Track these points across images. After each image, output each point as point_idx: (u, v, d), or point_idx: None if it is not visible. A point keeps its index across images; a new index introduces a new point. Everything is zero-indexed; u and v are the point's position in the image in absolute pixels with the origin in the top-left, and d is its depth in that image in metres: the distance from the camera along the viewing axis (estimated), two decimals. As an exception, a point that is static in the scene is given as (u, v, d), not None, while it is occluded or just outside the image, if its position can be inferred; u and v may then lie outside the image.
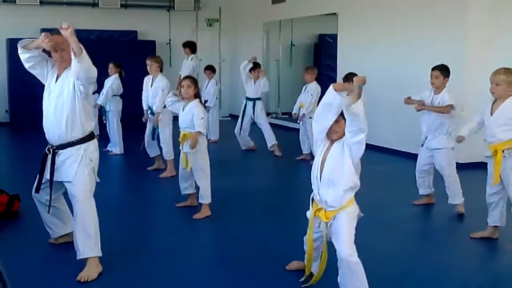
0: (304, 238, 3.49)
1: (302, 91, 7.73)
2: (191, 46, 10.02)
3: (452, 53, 7.01)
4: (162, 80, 6.71)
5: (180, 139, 5.00)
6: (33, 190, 3.85)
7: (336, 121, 3.11)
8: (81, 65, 3.41)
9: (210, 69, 9.39)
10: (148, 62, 6.79)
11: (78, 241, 3.64)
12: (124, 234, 4.57)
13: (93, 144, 3.72)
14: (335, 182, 3.16)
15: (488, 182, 4.39)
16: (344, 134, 3.14)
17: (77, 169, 3.61)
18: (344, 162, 3.15)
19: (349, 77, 6.05)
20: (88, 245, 3.62)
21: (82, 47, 3.40)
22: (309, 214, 3.37)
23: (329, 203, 3.18)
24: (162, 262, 3.94)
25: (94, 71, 3.53)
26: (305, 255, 3.48)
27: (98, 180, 3.77)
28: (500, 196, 4.35)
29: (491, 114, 4.23)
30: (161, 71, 6.81)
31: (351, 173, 3.16)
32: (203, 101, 5.35)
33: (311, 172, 3.30)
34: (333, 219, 3.17)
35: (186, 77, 5.12)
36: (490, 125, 4.24)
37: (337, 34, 9.49)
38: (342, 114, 3.13)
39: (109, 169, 7.18)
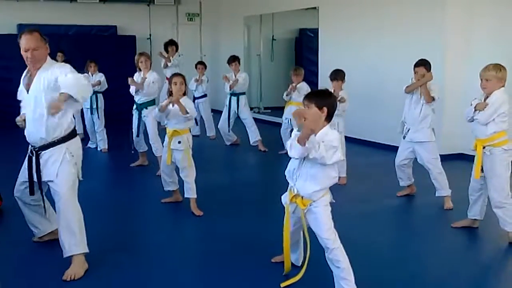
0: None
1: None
2: (176, 45, 9.98)
3: (432, 45, 7.09)
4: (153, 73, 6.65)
5: (168, 136, 4.98)
6: (27, 193, 3.78)
7: (307, 106, 3.14)
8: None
9: (203, 64, 9.31)
10: (142, 59, 6.65)
11: (63, 239, 3.60)
12: (110, 231, 4.55)
13: (75, 142, 3.69)
14: (313, 177, 3.17)
15: (473, 175, 4.44)
16: (314, 124, 3.08)
17: (59, 168, 3.58)
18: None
19: (337, 73, 6.03)
20: (74, 242, 3.60)
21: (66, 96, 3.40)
22: (284, 199, 3.39)
23: (305, 196, 3.21)
24: (149, 258, 3.93)
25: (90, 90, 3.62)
26: (283, 241, 3.45)
27: (81, 179, 3.73)
28: (482, 192, 4.42)
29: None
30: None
31: (330, 169, 3.14)
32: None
33: (289, 164, 3.30)
34: (310, 207, 3.20)
35: (178, 75, 5.05)
36: (479, 119, 4.24)
37: (318, 29, 9.51)
38: (309, 98, 3.15)
39: (94, 165, 7.12)
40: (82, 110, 8.04)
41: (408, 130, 5.22)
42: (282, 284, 3.41)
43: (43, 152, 3.60)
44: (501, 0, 6.90)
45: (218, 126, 8.48)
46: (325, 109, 3.12)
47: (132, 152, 6.82)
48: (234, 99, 8.19)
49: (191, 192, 4.98)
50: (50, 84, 3.50)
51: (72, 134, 3.67)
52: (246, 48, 11.85)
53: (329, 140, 3.06)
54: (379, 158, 7.54)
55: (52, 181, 3.61)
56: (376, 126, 8.15)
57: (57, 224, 3.73)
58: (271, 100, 11.69)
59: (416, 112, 5.12)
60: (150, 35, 11.95)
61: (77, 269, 3.55)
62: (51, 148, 3.59)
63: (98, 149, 7.99)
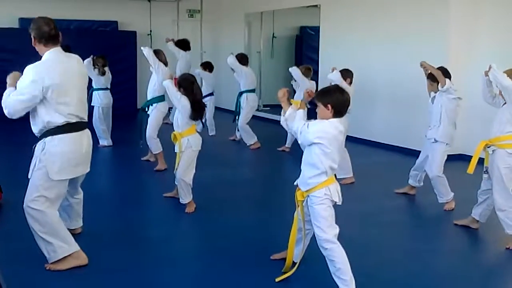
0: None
1: (298, 88, 7.60)
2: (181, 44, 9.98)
3: (435, 45, 7.09)
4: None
5: (172, 139, 4.95)
6: None
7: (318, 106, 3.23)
8: None
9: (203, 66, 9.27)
10: None
11: (41, 247, 3.51)
12: (111, 224, 4.57)
13: (58, 138, 3.43)
14: (303, 165, 3.24)
15: (483, 177, 4.43)
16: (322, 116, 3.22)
17: (32, 166, 3.44)
18: (309, 147, 3.20)
19: (342, 73, 6.03)
20: (52, 249, 3.49)
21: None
22: None
23: (298, 184, 3.27)
24: (148, 252, 3.94)
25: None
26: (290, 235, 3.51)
27: (54, 179, 3.44)
28: (489, 196, 4.40)
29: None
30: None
31: (313, 159, 3.17)
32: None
33: None
34: (308, 201, 3.24)
35: (180, 78, 5.02)
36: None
37: (319, 26, 9.51)
38: (316, 97, 3.25)
39: (97, 160, 7.12)
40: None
41: (429, 127, 5.15)
42: (277, 279, 3.43)
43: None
44: (505, 1, 6.91)
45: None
46: (329, 106, 3.16)
47: (141, 146, 6.80)
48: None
49: (181, 199, 4.89)
50: None
51: (56, 130, 3.42)
52: (246, 45, 11.83)
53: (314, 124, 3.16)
54: (379, 158, 7.56)
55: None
56: (375, 126, 8.16)
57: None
58: (271, 98, 11.63)
59: (433, 109, 5.07)
60: (150, 31, 11.94)
61: (58, 265, 3.52)
62: (38, 142, 3.48)
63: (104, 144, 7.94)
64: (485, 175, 4.32)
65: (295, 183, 3.35)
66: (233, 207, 5.17)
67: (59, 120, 3.43)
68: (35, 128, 3.50)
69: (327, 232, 3.16)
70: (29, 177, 3.50)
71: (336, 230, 3.20)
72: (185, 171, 4.82)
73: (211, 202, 5.23)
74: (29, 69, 3.37)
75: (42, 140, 3.46)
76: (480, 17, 7.08)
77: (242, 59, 8.26)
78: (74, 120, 3.49)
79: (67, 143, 3.47)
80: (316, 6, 9.56)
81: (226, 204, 5.26)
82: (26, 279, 3.48)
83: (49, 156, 3.42)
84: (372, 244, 4.22)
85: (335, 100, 3.17)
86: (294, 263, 3.50)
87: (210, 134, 9.06)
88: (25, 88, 3.33)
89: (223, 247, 4.08)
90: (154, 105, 6.55)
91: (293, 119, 3.24)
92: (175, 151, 4.91)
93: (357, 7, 8.50)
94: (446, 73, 5.01)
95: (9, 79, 3.44)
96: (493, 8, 7.00)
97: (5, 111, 3.38)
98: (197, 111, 4.79)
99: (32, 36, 3.50)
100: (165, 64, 6.62)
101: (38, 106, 3.40)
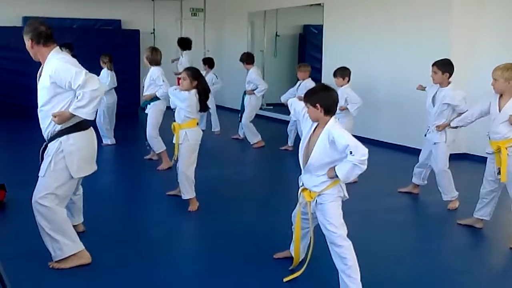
0: (293, 213, 3.56)
1: (297, 88, 7.58)
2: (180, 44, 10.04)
3: (437, 45, 7.07)
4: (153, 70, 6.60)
5: (172, 129, 4.96)
6: None
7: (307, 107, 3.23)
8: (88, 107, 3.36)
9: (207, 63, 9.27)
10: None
11: (45, 244, 3.52)
12: (114, 223, 4.57)
13: (73, 137, 3.44)
14: (316, 171, 3.20)
15: (485, 178, 4.42)
16: (318, 120, 3.20)
17: (48, 165, 3.43)
18: (326, 155, 3.16)
19: (337, 70, 5.98)
20: (58, 247, 3.51)
21: (70, 111, 3.36)
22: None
23: (309, 188, 3.25)
24: (151, 251, 3.95)
25: (98, 95, 3.39)
26: (293, 233, 3.51)
27: (76, 177, 3.50)
28: (495, 194, 4.40)
29: (499, 110, 4.19)
30: (156, 64, 6.58)
31: (331, 165, 3.16)
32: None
33: (299, 153, 3.35)
34: (317, 200, 3.22)
35: (186, 69, 5.00)
36: (496, 120, 4.21)
37: (322, 25, 9.49)
38: (304, 99, 3.24)
39: (101, 159, 7.13)
40: None
41: (428, 129, 5.15)
42: (285, 279, 3.43)
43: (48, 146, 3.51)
44: (506, 2, 6.88)
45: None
46: (317, 105, 3.15)
47: (147, 147, 6.79)
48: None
49: (183, 195, 4.90)
50: (47, 81, 3.39)
51: (71, 128, 3.43)
52: (249, 44, 11.83)
53: (338, 136, 3.07)
54: (382, 157, 7.52)
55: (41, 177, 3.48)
56: (378, 124, 8.15)
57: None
58: (274, 97, 11.63)
59: (432, 111, 5.04)
60: (154, 29, 11.95)
61: (62, 264, 3.53)
62: (51, 142, 3.46)
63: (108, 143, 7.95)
64: (498, 176, 4.28)
65: (300, 184, 3.34)
66: (236, 206, 5.17)
67: (76, 118, 3.44)
68: (50, 128, 3.46)
69: (341, 229, 3.17)
70: (40, 175, 3.48)
71: (346, 227, 3.22)
72: (186, 164, 4.83)
73: (214, 200, 5.23)
74: (66, 62, 3.42)
75: (56, 139, 3.44)
76: (481, 16, 7.05)
77: (248, 58, 8.25)
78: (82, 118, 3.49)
79: (82, 140, 3.50)
80: (319, 4, 9.54)
81: (229, 203, 5.26)
82: (29, 277, 3.48)
83: (67, 155, 3.43)
84: (374, 243, 4.21)
85: (322, 99, 3.16)
86: (300, 262, 3.51)
87: (214, 130, 9.06)
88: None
89: (226, 246, 4.08)
90: (152, 103, 6.55)
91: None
92: (173, 142, 4.91)
93: (361, 5, 8.48)
94: (449, 67, 4.94)
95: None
96: (495, 7, 6.98)
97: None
98: (204, 102, 4.85)
99: (28, 39, 3.46)
100: (159, 63, 6.61)
101: (56, 103, 3.40)
